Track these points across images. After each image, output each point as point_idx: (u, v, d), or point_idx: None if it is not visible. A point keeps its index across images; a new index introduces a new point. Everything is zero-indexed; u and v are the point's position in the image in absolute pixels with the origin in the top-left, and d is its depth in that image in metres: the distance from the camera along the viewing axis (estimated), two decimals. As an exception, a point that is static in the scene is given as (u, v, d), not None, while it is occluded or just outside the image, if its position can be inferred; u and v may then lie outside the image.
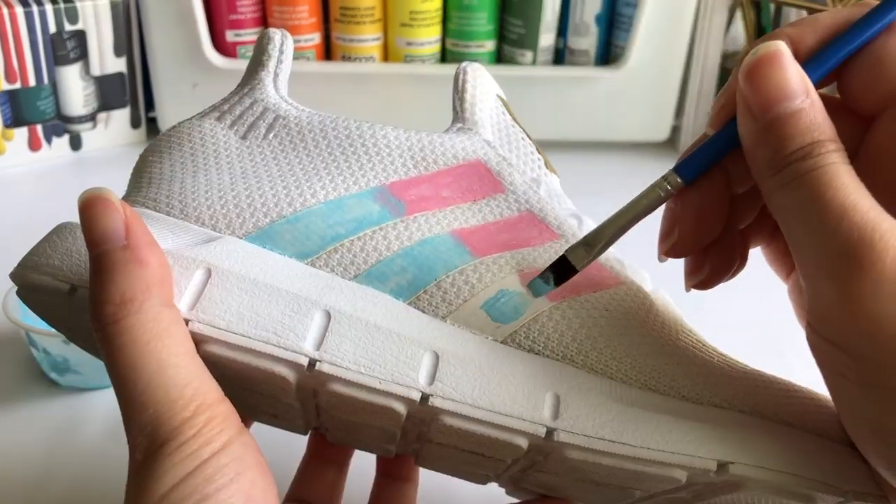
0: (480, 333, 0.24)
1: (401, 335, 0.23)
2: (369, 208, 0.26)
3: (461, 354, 0.23)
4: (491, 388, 0.23)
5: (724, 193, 0.24)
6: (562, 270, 0.25)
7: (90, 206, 0.22)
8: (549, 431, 0.22)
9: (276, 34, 0.29)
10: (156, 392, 0.20)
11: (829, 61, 0.22)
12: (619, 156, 0.70)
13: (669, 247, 0.25)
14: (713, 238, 0.25)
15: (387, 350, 0.23)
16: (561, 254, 0.25)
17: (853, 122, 0.23)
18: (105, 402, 0.42)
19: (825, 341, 0.21)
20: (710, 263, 0.26)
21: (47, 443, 0.39)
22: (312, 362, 0.23)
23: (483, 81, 0.29)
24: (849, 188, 0.20)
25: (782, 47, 0.21)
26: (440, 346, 0.23)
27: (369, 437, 0.27)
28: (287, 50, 0.29)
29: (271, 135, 0.27)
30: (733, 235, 0.26)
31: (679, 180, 0.24)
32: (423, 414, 0.23)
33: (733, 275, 0.27)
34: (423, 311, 0.24)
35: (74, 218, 0.25)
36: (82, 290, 0.23)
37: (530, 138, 0.29)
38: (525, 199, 0.27)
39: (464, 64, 0.30)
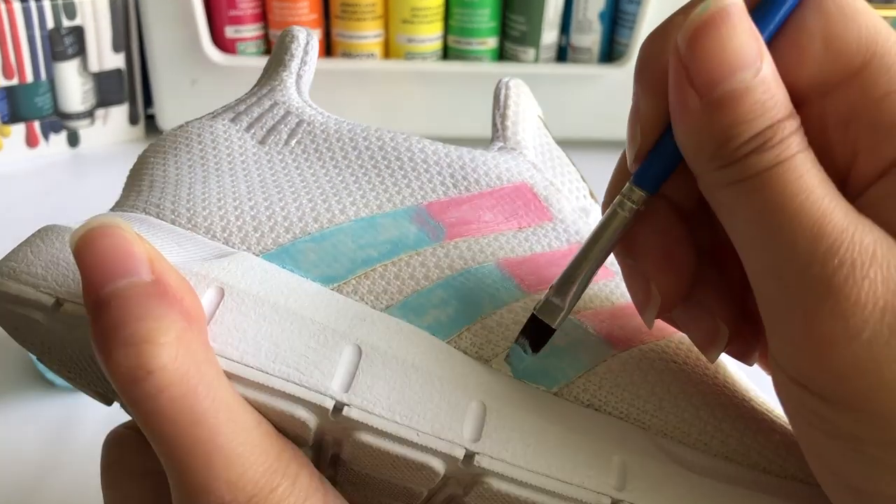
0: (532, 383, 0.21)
1: (443, 379, 0.20)
2: (405, 230, 0.23)
3: (511, 407, 0.20)
4: (548, 449, 0.20)
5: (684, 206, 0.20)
6: (538, 333, 0.20)
7: (99, 236, 0.18)
8: (616, 502, 0.19)
9: (300, 32, 0.27)
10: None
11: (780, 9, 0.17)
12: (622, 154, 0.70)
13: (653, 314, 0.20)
14: (692, 269, 0.20)
15: (427, 397, 0.20)
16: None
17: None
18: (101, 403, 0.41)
19: (794, 383, 0.17)
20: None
21: (44, 443, 0.39)
22: (339, 406, 0.19)
23: (526, 99, 0.27)
24: (817, 192, 0.16)
25: (738, 2, 0.16)
26: (487, 396, 0.20)
27: (388, 496, 0.23)
28: (312, 50, 0.27)
29: (293, 141, 0.25)
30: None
31: (642, 193, 0.19)
32: (463, 475, 0.20)
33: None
34: (465, 353, 0.21)
35: (74, 217, 0.23)
36: (69, 306, 0.20)
37: (574, 164, 0.27)
38: (575, 230, 0.24)
39: (505, 79, 0.27)
